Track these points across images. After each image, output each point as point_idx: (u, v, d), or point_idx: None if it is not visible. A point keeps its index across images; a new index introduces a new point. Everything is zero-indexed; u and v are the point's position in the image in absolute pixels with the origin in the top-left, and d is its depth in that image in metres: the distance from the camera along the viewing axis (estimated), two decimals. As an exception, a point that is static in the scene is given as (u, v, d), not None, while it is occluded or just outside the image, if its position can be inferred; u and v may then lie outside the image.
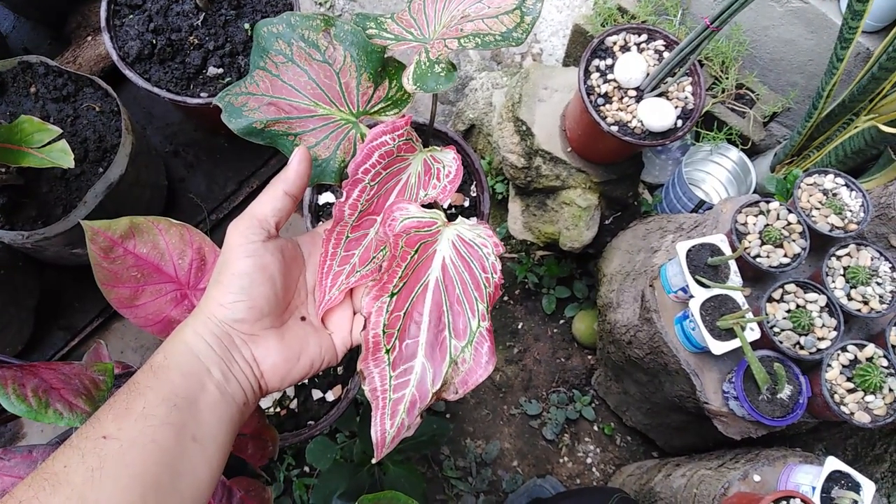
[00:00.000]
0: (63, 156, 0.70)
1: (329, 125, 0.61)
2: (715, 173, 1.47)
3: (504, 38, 0.57)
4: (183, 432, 0.43)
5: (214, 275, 0.50)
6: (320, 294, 0.54)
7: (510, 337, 1.56)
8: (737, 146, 1.42)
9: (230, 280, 0.48)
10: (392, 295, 0.49)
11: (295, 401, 0.80)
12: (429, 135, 0.80)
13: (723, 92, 1.43)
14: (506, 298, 1.58)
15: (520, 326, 1.56)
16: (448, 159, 0.61)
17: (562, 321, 1.57)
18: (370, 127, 0.59)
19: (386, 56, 0.61)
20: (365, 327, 0.48)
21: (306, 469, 1.42)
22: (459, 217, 0.58)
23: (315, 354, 0.52)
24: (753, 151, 1.47)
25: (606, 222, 1.41)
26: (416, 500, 1.18)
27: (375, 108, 0.63)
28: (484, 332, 0.51)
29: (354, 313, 0.55)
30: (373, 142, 0.56)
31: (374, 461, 0.47)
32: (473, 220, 0.56)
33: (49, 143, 0.70)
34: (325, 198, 0.87)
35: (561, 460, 1.48)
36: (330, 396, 0.80)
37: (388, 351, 0.49)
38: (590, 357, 1.55)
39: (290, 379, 0.51)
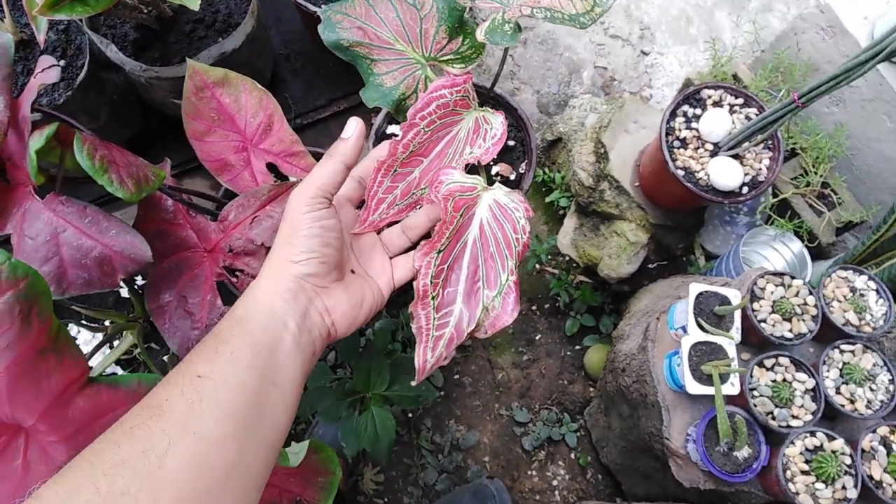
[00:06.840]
0: (190, -1, 0.81)
1: (401, 60, 0.71)
2: (772, 259, 1.47)
3: (571, 19, 0.65)
4: (265, 377, 0.48)
5: (283, 238, 0.55)
6: (365, 213, 0.62)
7: (524, 344, 1.61)
8: (802, 240, 1.42)
9: (300, 242, 0.54)
10: (439, 252, 0.58)
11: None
12: (487, 96, 0.88)
13: (807, 185, 1.43)
14: (533, 308, 1.63)
15: (537, 338, 1.61)
16: (496, 122, 0.69)
17: (577, 347, 1.60)
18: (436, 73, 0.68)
19: (465, 16, 0.70)
20: (416, 278, 0.57)
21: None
22: (497, 183, 0.66)
23: (370, 301, 0.59)
24: (818, 255, 1.46)
25: (650, 265, 1.44)
26: (384, 444, 1.26)
27: (445, 58, 0.72)
28: (511, 285, 0.60)
29: (391, 258, 0.63)
30: (433, 92, 0.65)
31: (412, 384, 0.58)
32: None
33: (180, -16, 0.83)
34: (393, 129, 0.97)
35: (530, 472, 1.52)
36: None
37: (433, 298, 0.58)
38: (591, 389, 1.57)
39: (356, 324, 0.58)
